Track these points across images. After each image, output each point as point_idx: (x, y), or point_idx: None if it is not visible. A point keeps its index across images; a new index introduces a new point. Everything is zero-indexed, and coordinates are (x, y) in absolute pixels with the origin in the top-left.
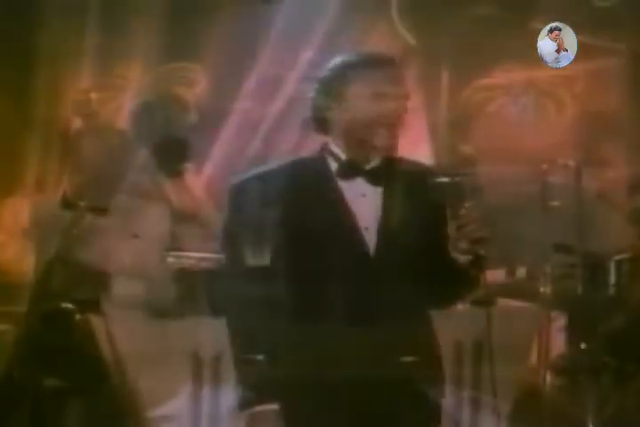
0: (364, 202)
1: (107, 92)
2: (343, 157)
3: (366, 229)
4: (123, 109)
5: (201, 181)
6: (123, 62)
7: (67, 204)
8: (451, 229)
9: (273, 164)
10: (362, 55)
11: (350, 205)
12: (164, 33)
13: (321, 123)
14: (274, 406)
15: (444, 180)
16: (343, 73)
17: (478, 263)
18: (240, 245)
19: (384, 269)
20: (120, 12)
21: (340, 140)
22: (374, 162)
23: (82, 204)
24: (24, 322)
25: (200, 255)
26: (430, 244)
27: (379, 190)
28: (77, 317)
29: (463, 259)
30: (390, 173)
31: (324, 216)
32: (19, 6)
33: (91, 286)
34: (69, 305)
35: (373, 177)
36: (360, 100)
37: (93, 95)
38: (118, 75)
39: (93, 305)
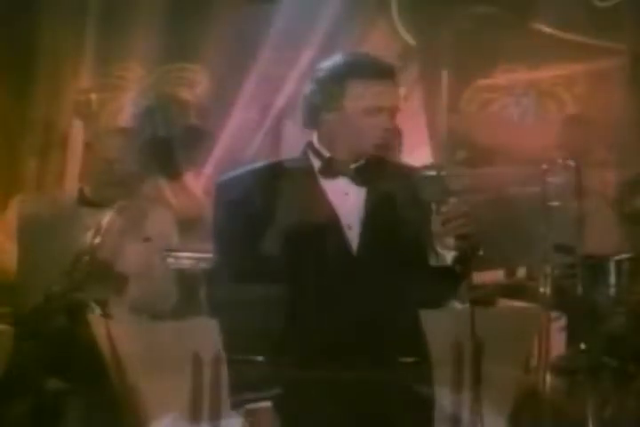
0: (347, 200)
1: (107, 93)
2: (327, 154)
3: (349, 227)
4: (123, 110)
5: (201, 182)
6: (123, 63)
7: (85, 202)
8: (435, 224)
9: (258, 163)
10: (362, 62)
11: (333, 204)
12: (164, 33)
13: (312, 120)
14: (267, 404)
15: (431, 173)
16: (341, 78)
17: (463, 259)
18: (226, 244)
19: (367, 268)
20: (120, 12)
21: (328, 140)
22: (359, 162)
23: (104, 202)
24: (25, 321)
25: (200, 255)
26: (414, 242)
27: (362, 189)
28: (90, 314)
29: (448, 255)
30: (374, 173)
31: (307, 214)
32: (19, 6)
33: (106, 284)
34: (85, 300)
35: (357, 177)
36: (355, 108)
37: (93, 96)
38: (118, 75)
39: (102, 305)
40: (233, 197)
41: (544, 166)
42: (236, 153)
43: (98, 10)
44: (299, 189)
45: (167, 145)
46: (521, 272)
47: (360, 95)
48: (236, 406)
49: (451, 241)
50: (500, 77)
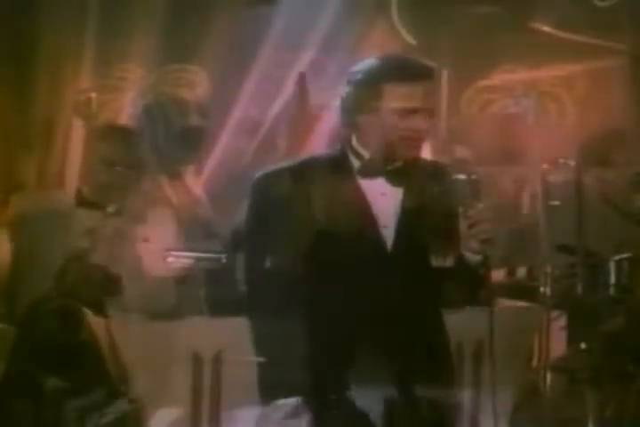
0: (384, 201)
1: (107, 94)
2: (367, 155)
3: (385, 227)
4: (123, 111)
5: (201, 182)
6: (123, 64)
7: (83, 202)
8: (462, 227)
9: (294, 159)
10: (400, 64)
11: (370, 204)
12: (164, 34)
13: (349, 122)
14: (294, 400)
15: (461, 177)
16: (378, 80)
17: (486, 263)
18: (259, 240)
19: (401, 268)
20: (120, 13)
21: (365, 141)
22: (397, 163)
23: (102, 204)
24: (24, 321)
25: (200, 255)
26: (445, 243)
27: (399, 190)
28: (86, 316)
29: (474, 258)
30: (411, 174)
31: (344, 213)
32: (19, 6)
33: (99, 287)
34: (77, 304)
35: (394, 178)
36: (391, 110)
37: (93, 95)
38: (118, 77)
39: (98, 306)
40: (271, 193)
41: (544, 166)
42: (237, 154)
43: (98, 10)
44: (337, 189)
45: (167, 145)
46: (521, 272)
47: (397, 97)
48: (264, 401)
49: (475, 244)
50: (500, 78)
